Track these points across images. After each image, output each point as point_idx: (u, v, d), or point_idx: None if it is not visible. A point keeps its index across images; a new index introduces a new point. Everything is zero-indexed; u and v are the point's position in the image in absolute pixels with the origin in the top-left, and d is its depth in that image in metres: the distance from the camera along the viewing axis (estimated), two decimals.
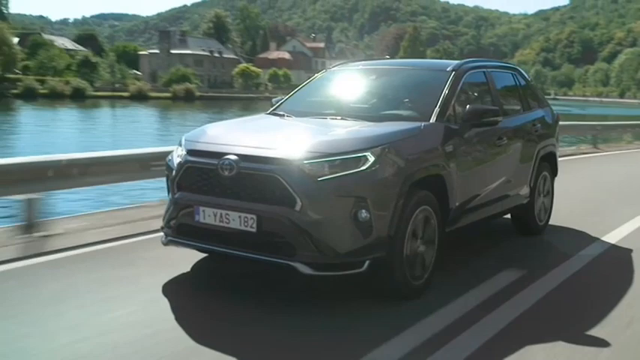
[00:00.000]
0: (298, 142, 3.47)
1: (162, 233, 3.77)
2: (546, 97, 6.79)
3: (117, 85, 61.82)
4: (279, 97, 4.92)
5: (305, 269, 3.24)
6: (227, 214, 3.36)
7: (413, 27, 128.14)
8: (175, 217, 3.63)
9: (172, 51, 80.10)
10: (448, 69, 4.38)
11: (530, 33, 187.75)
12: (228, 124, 4.27)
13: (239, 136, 3.72)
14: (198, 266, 4.12)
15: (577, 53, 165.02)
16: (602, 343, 3.09)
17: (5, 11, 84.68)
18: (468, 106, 4.16)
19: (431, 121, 3.94)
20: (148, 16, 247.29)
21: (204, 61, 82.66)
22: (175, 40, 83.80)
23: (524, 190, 5.10)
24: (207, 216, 3.43)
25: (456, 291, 3.79)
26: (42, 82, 53.91)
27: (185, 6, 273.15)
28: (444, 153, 3.85)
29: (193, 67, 73.61)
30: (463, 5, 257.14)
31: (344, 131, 3.78)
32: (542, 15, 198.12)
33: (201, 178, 3.52)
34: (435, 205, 3.76)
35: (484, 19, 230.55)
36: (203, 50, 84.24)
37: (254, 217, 3.29)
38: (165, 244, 3.74)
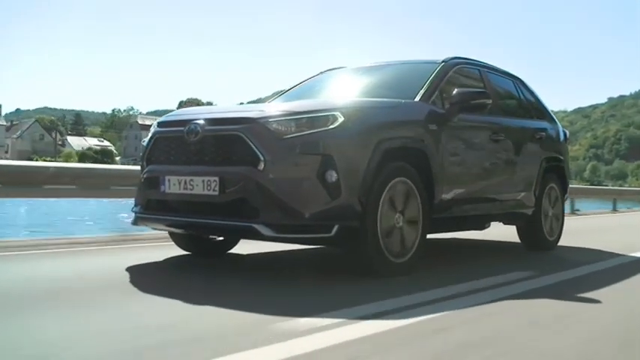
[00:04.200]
0: (267, 107, 3.29)
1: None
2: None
3: None
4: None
5: (266, 231, 2.91)
6: (191, 179, 3.12)
7: None
8: (144, 192, 3.42)
9: None
10: (439, 61, 4.16)
11: (576, 130, 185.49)
12: (207, 106, 4.09)
13: (211, 108, 3.56)
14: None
15: (625, 149, 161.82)
16: None
17: None
18: (455, 90, 3.85)
19: (415, 100, 3.68)
20: None
21: None
22: None
23: (528, 198, 4.62)
24: (173, 185, 3.19)
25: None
26: None
27: (260, 99, 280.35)
28: (426, 130, 3.55)
29: None
30: None
31: (317, 100, 3.58)
32: (582, 112, 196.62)
33: (169, 148, 3.34)
34: (417, 180, 3.39)
35: None
36: None
37: (216, 179, 3.03)
38: (134, 222, 3.51)
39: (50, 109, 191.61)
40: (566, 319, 2.43)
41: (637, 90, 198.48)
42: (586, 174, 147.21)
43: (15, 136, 76.33)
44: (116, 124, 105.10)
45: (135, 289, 2.74)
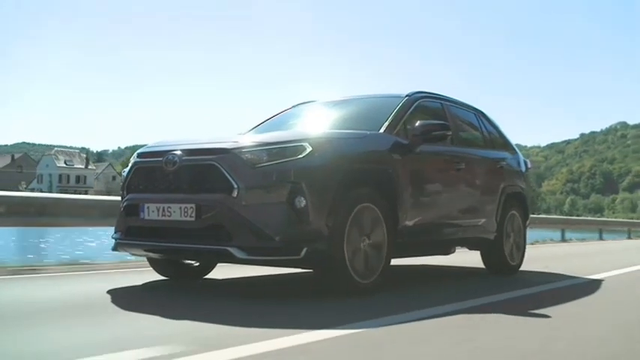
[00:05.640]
0: (240, 138, 3.51)
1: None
2: None
3: None
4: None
5: (240, 254, 3.13)
6: (169, 206, 3.32)
7: None
8: (124, 219, 3.61)
9: None
10: (403, 95, 4.41)
11: (551, 165, 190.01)
12: (182, 137, 4.31)
13: (187, 139, 3.79)
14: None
15: (600, 184, 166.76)
16: None
17: None
18: (417, 122, 4.12)
19: (380, 132, 3.93)
20: None
21: None
22: None
23: (490, 224, 4.89)
24: (151, 212, 3.39)
25: None
26: None
27: None
28: (391, 159, 3.81)
29: None
30: None
31: (287, 131, 3.84)
32: (556, 148, 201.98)
33: (148, 177, 3.54)
34: (382, 206, 3.63)
35: None
36: None
37: (193, 206, 3.24)
38: (114, 248, 3.69)
39: (28, 144, 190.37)
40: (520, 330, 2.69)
41: (607, 126, 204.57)
42: (565, 207, 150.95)
43: (93, 177, 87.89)
44: None
45: (117, 309, 2.92)
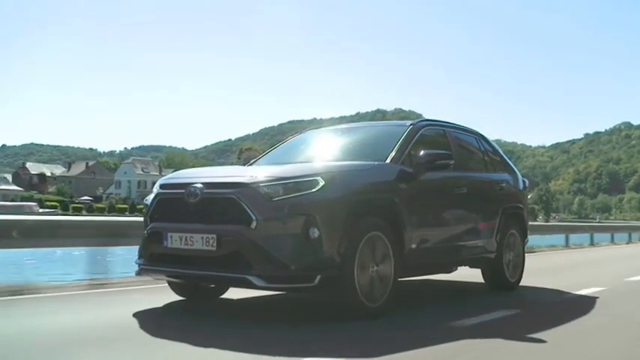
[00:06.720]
0: (257, 172, 3.74)
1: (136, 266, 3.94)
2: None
3: None
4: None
5: (259, 282, 3.37)
6: (191, 236, 3.56)
7: None
8: (147, 246, 3.85)
9: None
10: (407, 124, 4.64)
11: (557, 165, 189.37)
12: (200, 168, 4.58)
13: (206, 172, 4.04)
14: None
15: (606, 184, 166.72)
16: None
17: None
18: (421, 151, 4.33)
19: (386, 162, 4.14)
20: (195, 149, 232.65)
21: None
22: None
23: (490, 243, 5.09)
24: (174, 240, 3.62)
25: None
26: None
27: (230, 140, 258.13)
28: (397, 188, 4.03)
29: None
30: None
31: (301, 164, 4.08)
32: (561, 148, 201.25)
33: (171, 207, 3.79)
34: (389, 233, 3.84)
35: (510, 152, 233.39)
36: None
37: (214, 236, 3.48)
38: (138, 273, 3.93)
39: (37, 144, 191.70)
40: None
41: (611, 127, 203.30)
42: (574, 207, 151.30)
43: None
44: (177, 165, 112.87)
45: (146, 335, 3.14)
